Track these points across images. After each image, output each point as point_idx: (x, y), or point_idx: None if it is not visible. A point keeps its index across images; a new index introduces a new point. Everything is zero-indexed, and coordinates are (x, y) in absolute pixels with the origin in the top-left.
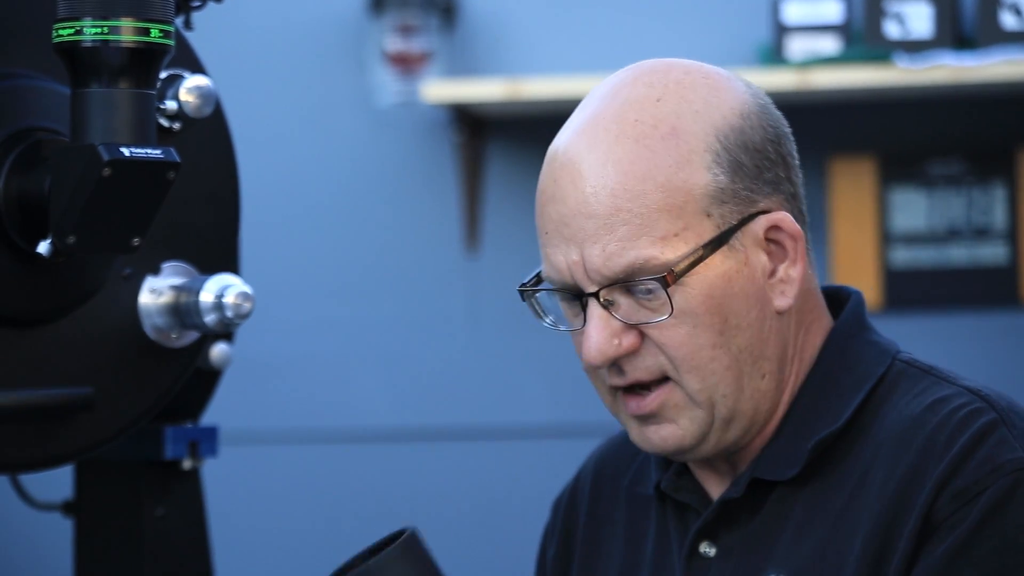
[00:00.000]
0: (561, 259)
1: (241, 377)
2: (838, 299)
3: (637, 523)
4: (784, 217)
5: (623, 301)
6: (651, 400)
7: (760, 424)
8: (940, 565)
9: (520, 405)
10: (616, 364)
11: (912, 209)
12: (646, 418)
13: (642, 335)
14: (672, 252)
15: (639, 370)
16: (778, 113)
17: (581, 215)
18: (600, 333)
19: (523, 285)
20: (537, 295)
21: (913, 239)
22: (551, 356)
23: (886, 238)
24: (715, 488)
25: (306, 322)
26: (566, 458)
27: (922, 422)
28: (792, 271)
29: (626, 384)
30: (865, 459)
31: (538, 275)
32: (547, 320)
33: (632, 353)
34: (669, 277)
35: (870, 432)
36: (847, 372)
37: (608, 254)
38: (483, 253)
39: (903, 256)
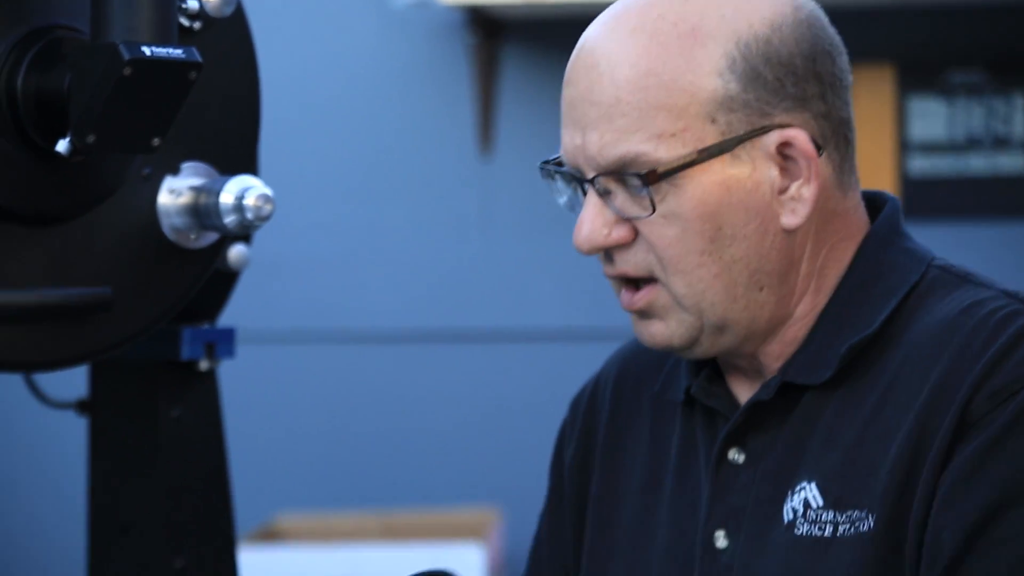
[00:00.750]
0: (568, 141)
1: (254, 278)
2: (875, 205)
3: (662, 430)
4: (797, 135)
5: (620, 193)
6: (640, 297)
7: (762, 334)
8: (973, 460)
9: (533, 308)
10: (608, 253)
11: (931, 118)
12: (639, 313)
13: (636, 231)
14: (666, 152)
15: (628, 264)
16: (829, 32)
17: (587, 101)
18: (592, 221)
19: (545, 162)
20: (558, 175)
21: (932, 148)
22: (564, 259)
23: (904, 147)
24: (745, 395)
25: (319, 223)
26: (579, 362)
27: (957, 325)
28: (805, 190)
29: (614, 275)
30: (896, 364)
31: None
32: (562, 199)
33: (623, 246)
34: (651, 176)
35: (903, 337)
36: (881, 279)
37: (603, 143)
38: (497, 156)
39: (921, 165)
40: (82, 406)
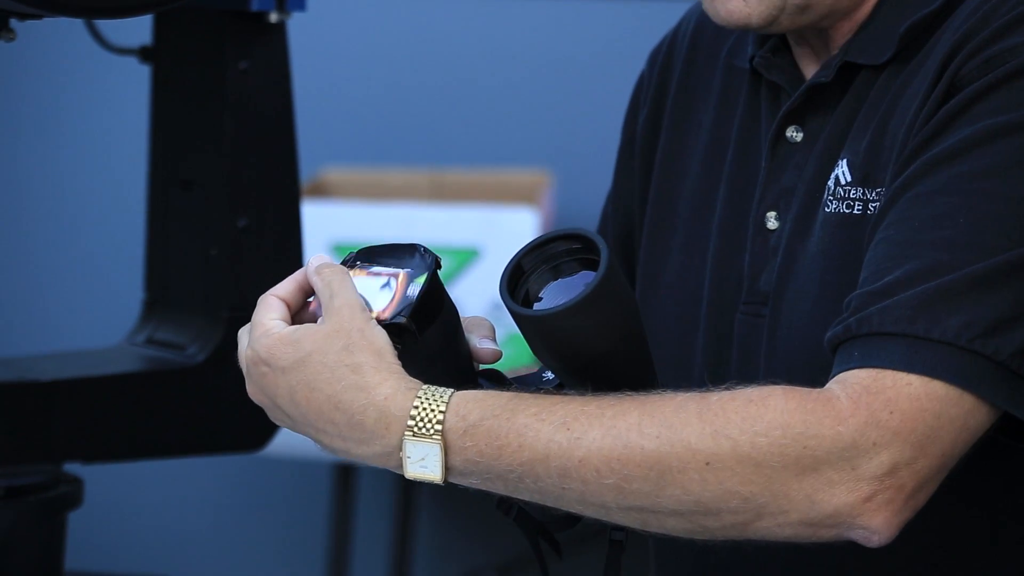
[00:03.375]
0: None
1: None
2: None
3: (731, 95)
4: None
5: None
6: None
7: (843, 11)
8: (945, 118)
9: None
10: None
11: None
12: None
13: None
14: None
15: None
16: None
17: None
18: None
19: None
20: None
21: None
22: None
23: None
24: (810, 70)
25: None
26: (641, 20)
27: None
28: None
29: None
30: (938, 42)
31: None
32: None
33: None
34: None
35: (954, 15)
36: None
37: None
38: None
39: None
40: (145, 53)
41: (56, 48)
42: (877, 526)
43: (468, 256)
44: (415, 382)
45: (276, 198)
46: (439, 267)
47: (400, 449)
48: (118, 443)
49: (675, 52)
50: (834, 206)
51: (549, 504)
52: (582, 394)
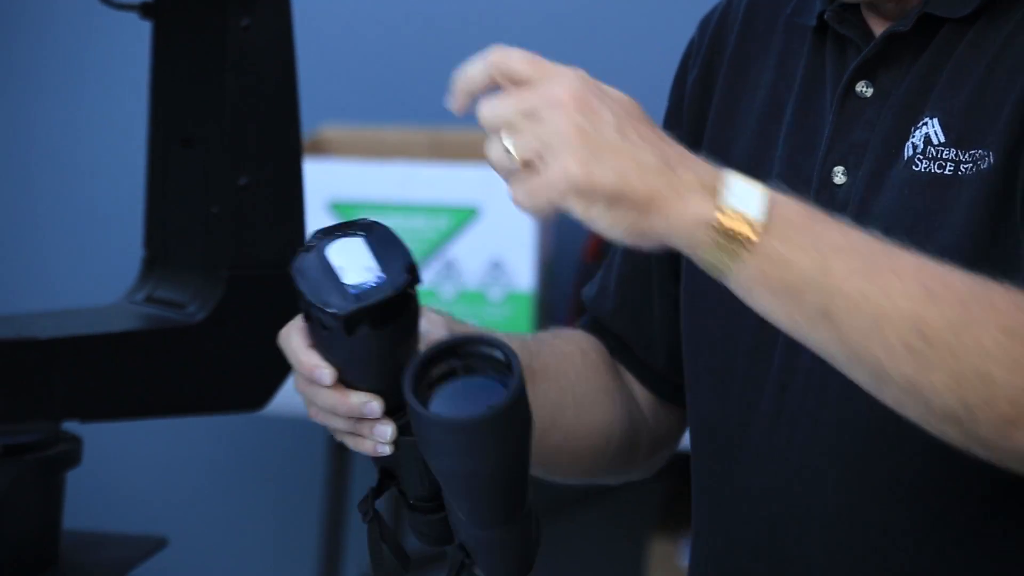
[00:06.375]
0: None
1: None
2: None
3: (790, 56)
4: None
5: None
6: None
7: None
8: None
9: None
10: None
11: None
12: None
13: None
14: None
15: None
16: None
17: None
18: None
19: None
20: None
21: None
22: None
23: None
24: (881, 28)
25: None
26: None
27: None
28: None
29: None
30: None
31: None
32: None
33: None
34: None
35: None
36: None
37: None
38: None
39: None
40: (146, 9)
41: (56, 2)
42: None
43: (466, 215)
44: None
45: (277, 156)
46: (414, 282)
47: (723, 184)
48: (117, 402)
49: (729, 16)
50: (924, 165)
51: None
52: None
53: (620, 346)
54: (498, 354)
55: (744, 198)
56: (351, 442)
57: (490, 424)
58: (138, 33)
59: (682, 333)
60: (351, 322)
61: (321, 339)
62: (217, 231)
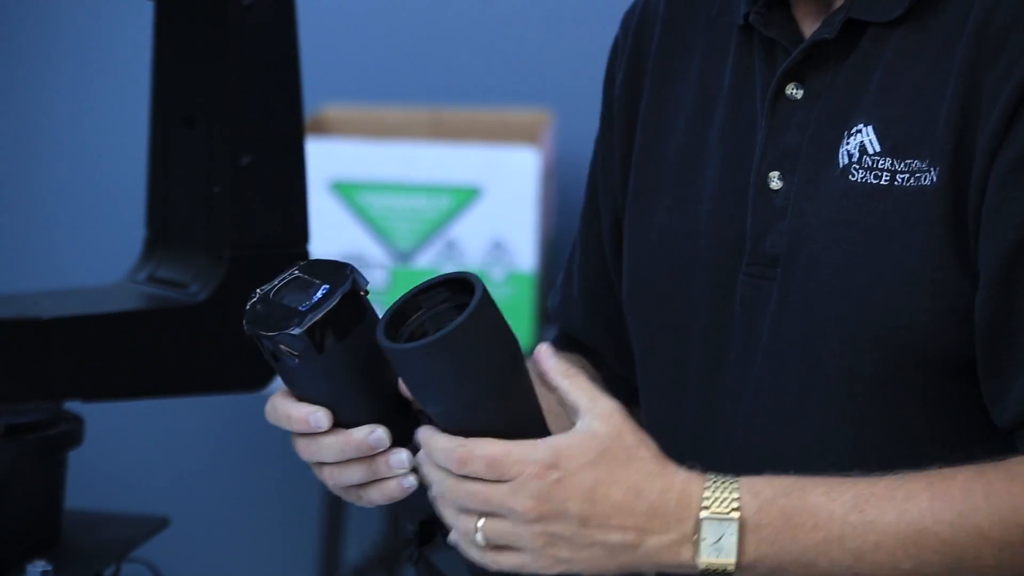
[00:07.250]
0: None
1: None
2: None
3: (716, 52)
4: None
5: None
6: None
7: None
8: None
9: None
10: None
11: None
12: None
13: None
14: None
15: None
16: None
17: None
18: None
19: None
20: None
21: None
22: None
23: None
24: (809, 27)
25: None
26: None
27: None
28: None
29: None
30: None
31: None
32: None
33: None
34: None
35: None
36: None
37: None
38: None
39: None
40: None
41: None
42: None
43: (468, 195)
44: (695, 471)
45: (280, 136)
46: (360, 290)
47: (696, 531)
48: (118, 381)
49: (648, 12)
50: (860, 175)
51: None
52: (865, 474)
53: (599, 360)
54: (459, 298)
55: (719, 543)
56: (377, 494)
57: (466, 331)
58: (141, 12)
59: (634, 349)
60: (315, 335)
61: (300, 378)
62: (219, 211)
